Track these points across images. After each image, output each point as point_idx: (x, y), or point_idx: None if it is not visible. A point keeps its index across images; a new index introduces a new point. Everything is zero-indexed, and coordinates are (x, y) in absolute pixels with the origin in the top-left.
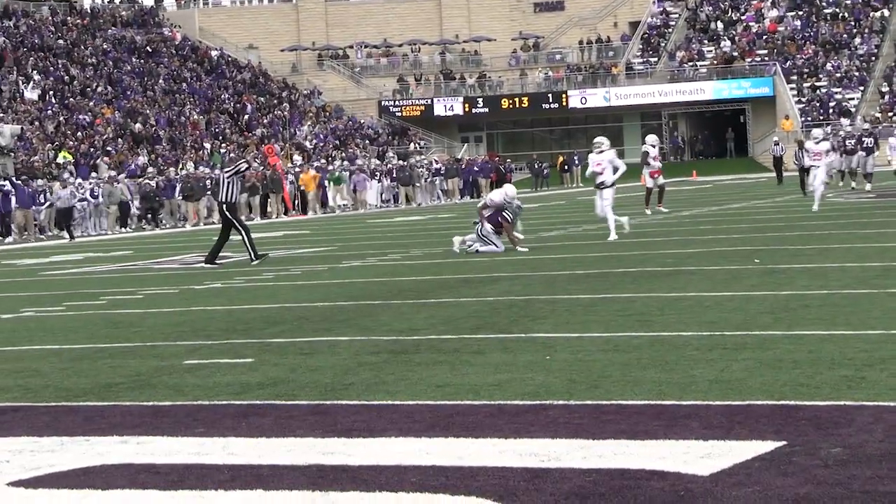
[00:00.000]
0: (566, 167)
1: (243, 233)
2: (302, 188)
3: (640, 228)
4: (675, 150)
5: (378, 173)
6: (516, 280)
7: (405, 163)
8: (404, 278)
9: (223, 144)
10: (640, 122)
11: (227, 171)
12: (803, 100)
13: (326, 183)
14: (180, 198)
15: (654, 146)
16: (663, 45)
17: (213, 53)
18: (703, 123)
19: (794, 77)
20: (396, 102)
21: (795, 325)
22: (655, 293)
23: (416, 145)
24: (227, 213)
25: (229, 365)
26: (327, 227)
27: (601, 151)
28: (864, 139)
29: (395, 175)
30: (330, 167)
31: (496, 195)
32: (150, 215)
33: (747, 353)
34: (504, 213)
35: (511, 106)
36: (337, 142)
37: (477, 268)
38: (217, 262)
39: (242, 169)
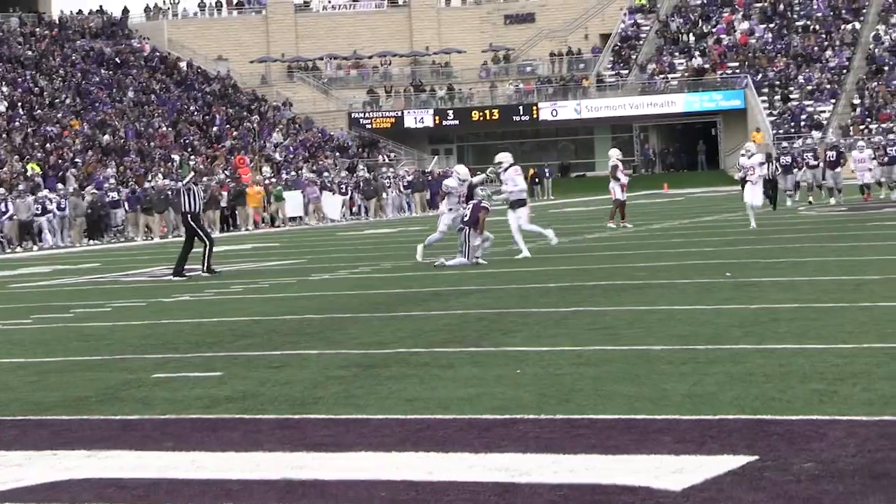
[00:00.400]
0: (536, 180)
1: (206, 243)
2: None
3: (611, 241)
4: (646, 163)
5: (343, 186)
6: (487, 293)
7: (370, 175)
8: (374, 291)
9: (192, 156)
10: (610, 134)
11: (184, 182)
12: (775, 112)
13: (271, 199)
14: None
15: (619, 159)
16: (634, 57)
17: (182, 65)
18: (674, 136)
19: (766, 90)
20: (366, 114)
21: (767, 339)
22: (626, 306)
23: (385, 157)
24: (191, 222)
25: (198, 378)
26: (297, 240)
27: (505, 169)
28: (826, 153)
29: (361, 188)
30: (271, 182)
31: (450, 182)
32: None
33: (719, 366)
34: (482, 204)
35: (481, 118)
36: (307, 154)
37: (447, 281)
38: (185, 274)
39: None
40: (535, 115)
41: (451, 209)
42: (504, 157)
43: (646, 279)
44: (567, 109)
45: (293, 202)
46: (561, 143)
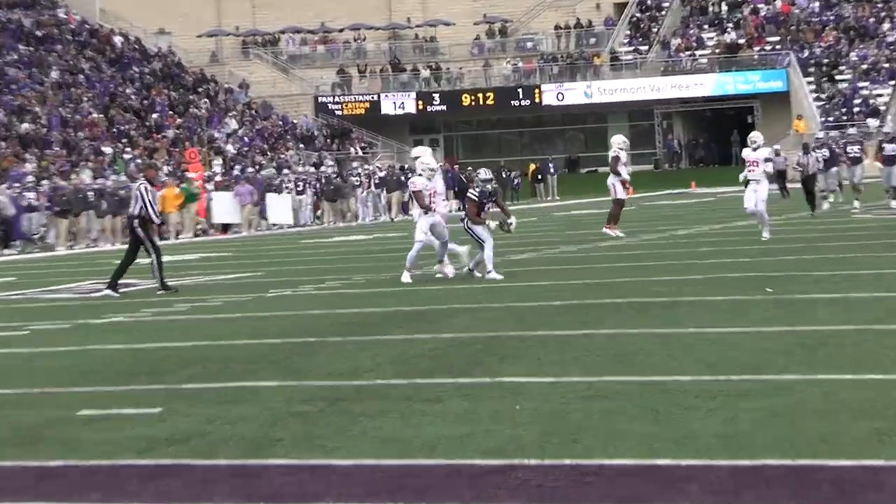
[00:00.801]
0: (539, 177)
1: (154, 255)
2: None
3: (627, 251)
4: (670, 157)
5: (301, 184)
6: (480, 313)
7: (332, 173)
8: (345, 310)
9: (127, 148)
10: (627, 122)
11: (140, 182)
12: (823, 96)
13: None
14: (49, 213)
15: (623, 149)
16: (655, 30)
17: (117, 40)
18: (703, 124)
19: (812, 69)
20: (336, 98)
21: (815, 368)
22: (646, 329)
23: (358, 150)
24: (137, 229)
25: (133, 416)
26: (252, 249)
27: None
28: (885, 146)
29: (321, 188)
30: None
31: (418, 180)
32: None
33: (757, 401)
34: (469, 195)
35: (473, 103)
36: (265, 145)
37: (432, 298)
38: (119, 290)
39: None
40: (537, 100)
41: (426, 212)
42: (422, 152)
43: (669, 296)
44: (575, 93)
45: (222, 206)
46: (568, 133)
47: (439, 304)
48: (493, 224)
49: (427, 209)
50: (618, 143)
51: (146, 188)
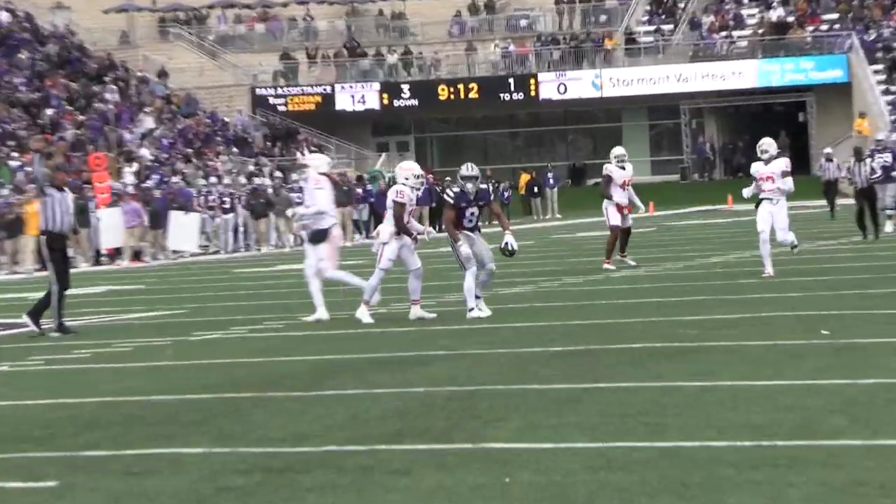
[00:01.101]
0: (535, 189)
1: (56, 285)
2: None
3: (647, 283)
4: (701, 164)
5: (227, 199)
6: (461, 360)
7: (258, 185)
8: (289, 358)
9: (15, 153)
10: (647, 121)
11: (46, 185)
12: (893, 89)
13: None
14: None
15: (622, 165)
16: (682, 6)
17: (3, 17)
18: (742, 124)
19: (879, 54)
20: (279, 90)
21: (881, 432)
22: (670, 381)
23: (304, 154)
24: (43, 248)
25: (22, 491)
26: (172, 281)
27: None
28: None
29: (248, 201)
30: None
31: (402, 189)
32: None
33: (810, 472)
34: (445, 197)
35: (452, 96)
36: (190, 150)
37: (401, 342)
38: (42, 326)
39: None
40: (532, 93)
41: (398, 234)
42: (314, 161)
43: (699, 340)
44: (581, 84)
45: (110, 227)
46: (572, 135)
47: (409, 350)
48: (464, 251)
49: (402, 229)
50: (612, 156)
51: (52, 196)
